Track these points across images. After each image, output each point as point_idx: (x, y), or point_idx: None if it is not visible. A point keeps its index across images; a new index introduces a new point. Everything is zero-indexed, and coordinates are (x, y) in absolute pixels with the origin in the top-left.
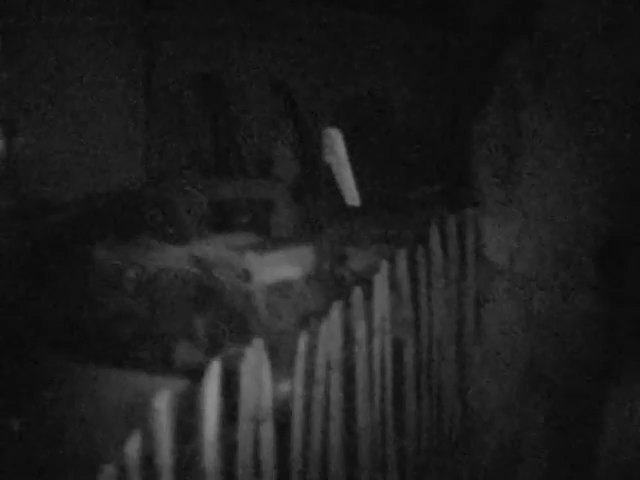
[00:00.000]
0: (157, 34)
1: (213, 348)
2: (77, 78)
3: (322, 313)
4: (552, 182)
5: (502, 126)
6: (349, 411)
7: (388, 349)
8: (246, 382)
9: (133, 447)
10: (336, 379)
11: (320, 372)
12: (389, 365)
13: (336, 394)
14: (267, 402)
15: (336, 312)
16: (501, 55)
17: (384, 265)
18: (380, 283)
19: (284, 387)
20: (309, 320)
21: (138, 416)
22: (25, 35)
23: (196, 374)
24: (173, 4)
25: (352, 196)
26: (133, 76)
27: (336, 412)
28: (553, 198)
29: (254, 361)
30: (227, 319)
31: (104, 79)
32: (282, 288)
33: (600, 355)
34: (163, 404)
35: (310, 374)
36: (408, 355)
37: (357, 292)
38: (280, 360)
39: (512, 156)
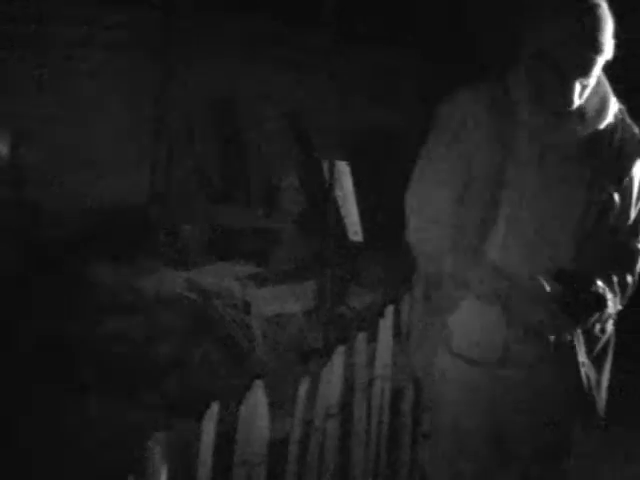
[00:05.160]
0: (174, 53)
1: (208, 379)
2: (88, 92)
3: (319, 350)
4: None
5: None
6: (344, 456)
7: (387, 396)
8: (243, 424)
9: None
10: (333, 424)
11: (319, 419)
12: (387, 412)
13: (332, 440)
14: (262, 445)
15: (339, 357)
16: None
17: (389, 310)
18: (384, 328)
19: (279, 429)
20: (306, 356)
21: (130, 454)
22: (36, 45)
23: (193, 411)
24: (195, 25)
25: (355, 231)
26: (146, 94)
27: (331, 457)
28: None
29: (253, 403)
30: (223, 349)
31: (115, 95)
32: (280, 322)
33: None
34: (158, 444)
35: (308, 420)
36: (406, 403)
37: (361, 337)
38: (275, 397)
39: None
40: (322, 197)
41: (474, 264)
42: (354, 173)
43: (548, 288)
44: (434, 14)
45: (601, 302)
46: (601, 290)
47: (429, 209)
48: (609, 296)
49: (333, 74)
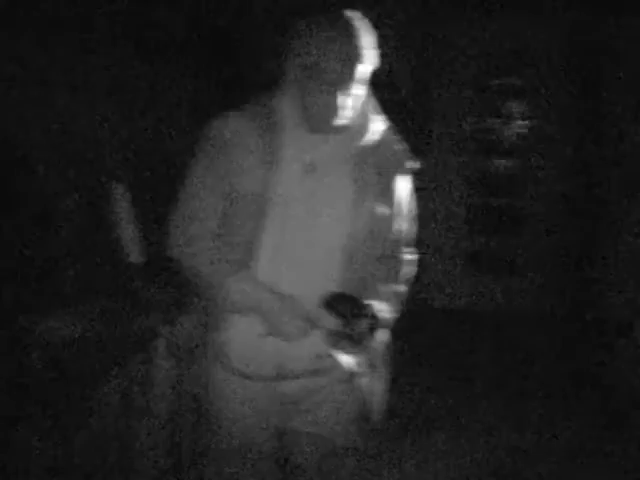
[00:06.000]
0: None
1: None
2: None
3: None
4: None
5: None
6: None
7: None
8: None
9: None
10: None
11: None
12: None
13: None
14: None
15: (114, 381)
16: None
17: (165, 330)
18: (160, 349)
19: None
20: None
21: None
22: None
23: None
24: None
25: (134, 253)
26: None
27: None
28: None
29: None
30: None
31: None
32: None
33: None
34: None
35: None
36: (186, 424)
37: (137, 360)
38: None
39: None
40: (98, 220)
41: (233, 276)
42: (134, 194)
43: (324, 323)
44: (211, 35)
45: (375, 325)
46: (374, 310)
47: (192, 224)
48: (380, 308)
49: (110, 92)
